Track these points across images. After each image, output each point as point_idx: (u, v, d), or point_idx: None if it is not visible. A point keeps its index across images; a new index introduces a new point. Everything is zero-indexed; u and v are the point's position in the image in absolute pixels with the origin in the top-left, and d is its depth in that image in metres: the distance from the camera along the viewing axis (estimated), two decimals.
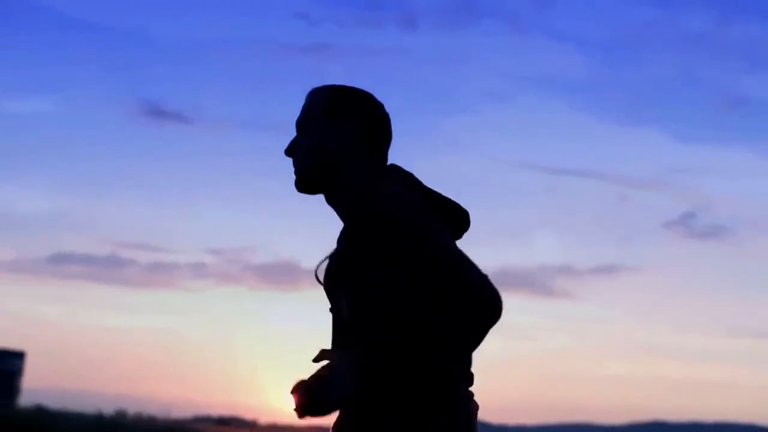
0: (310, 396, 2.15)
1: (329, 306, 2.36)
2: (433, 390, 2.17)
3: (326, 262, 2.37)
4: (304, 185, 2.37)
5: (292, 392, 2.19)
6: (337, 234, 2.37)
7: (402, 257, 2.15)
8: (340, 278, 2.29)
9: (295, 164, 2.38)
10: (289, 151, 2.39)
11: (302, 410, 2.18)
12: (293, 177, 2.39)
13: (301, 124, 2.40)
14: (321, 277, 2.36)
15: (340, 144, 2.34)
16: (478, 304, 2.07)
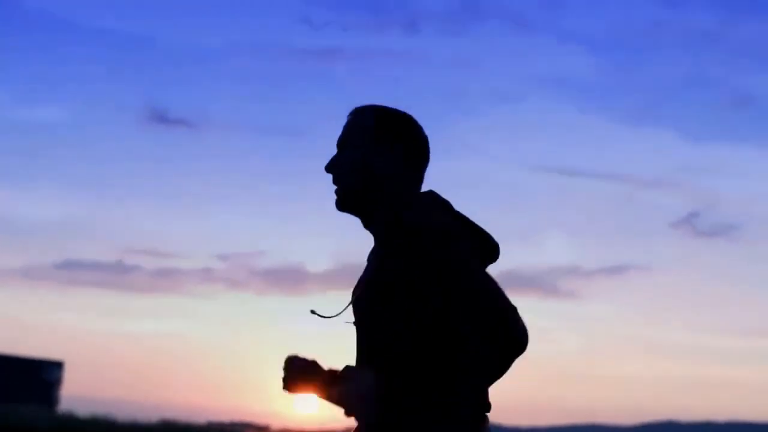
0: (302, 374, 2.26)
1: (353, 320, 2.38)
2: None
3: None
4: (347, 203, 2.39)
5: (286, 366, 2.28)
6: (363, 249, 2.40)
7: (429, 293, 2.19)
8: (363, 302, 2.32)
9: (336, 181, 2.39)
10: (330, 168, 2.40)
11: (288, 384, 2.28)
12: (333, 195, 2.40)
13: (345, 141, 2.41)
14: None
15: (386, 164, 2.36)
16: (512, 340, 2.16)
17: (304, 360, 2.27)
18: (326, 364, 2.28)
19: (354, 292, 2.38)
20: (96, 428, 21.10)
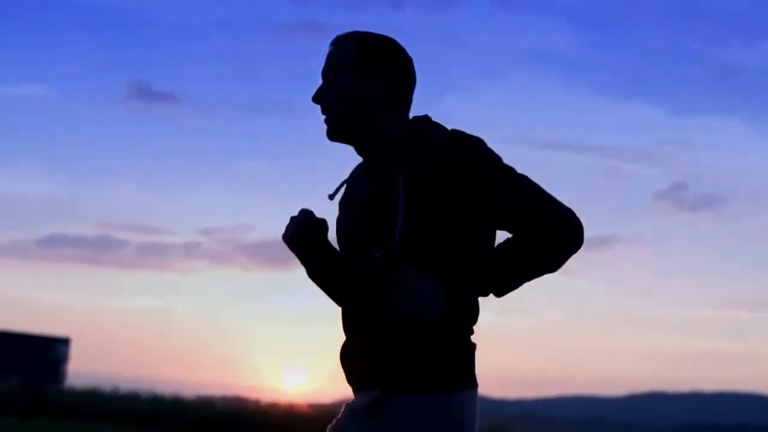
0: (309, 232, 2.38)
1: (337, 230, 2.45)
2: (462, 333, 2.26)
3: (343, 187, 2.44)
4: (337, 134, 2.40)
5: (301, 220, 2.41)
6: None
7: (472, 198, 2.23)
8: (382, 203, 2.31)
9: (325, 113, 2.41)
10: (317, 99, 2.41)
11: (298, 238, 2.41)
12: (323, 126, 2.41)
13: (328, 72, 2.41)
14: (336, 199, 2.44)
15: (371, 92, 2.36)
16: (571, 232, 2.24)
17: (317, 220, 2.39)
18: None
19: (343, 208, 2.44)
20: (96, 403, 21.21)
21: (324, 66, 2.42)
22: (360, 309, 2.30)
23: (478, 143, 2.27)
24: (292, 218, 2.42)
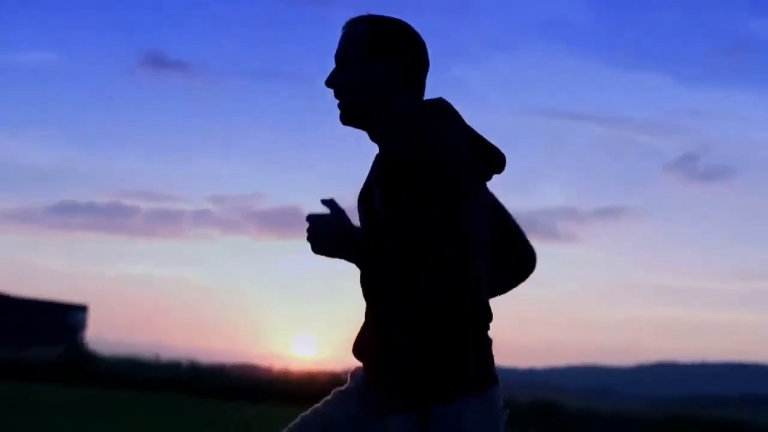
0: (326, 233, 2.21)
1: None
2: (469, 331, 2.26)
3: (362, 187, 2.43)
4: (350, 119, 2.39)
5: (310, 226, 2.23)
6: (364, 168, 2.45)
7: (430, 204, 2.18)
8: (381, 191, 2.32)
9: (338, 97, 2.39)
10: (330, 83, 2.40)
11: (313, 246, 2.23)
12: (336, 110, 2.40)
13: (341, 56, 2.40)
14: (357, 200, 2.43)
15: (384, 77, 2.35)
16: (526, 257, 2.37)
17: (325, 217, 2.23)
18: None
19: (361, 197, 2.42)
20: (120, 370, 21.50)
21: (336, 50, 2.41)
22: (384, 305, 2.30)
23: (441, 164, 2.21)
24: (309, 229, 2.24)
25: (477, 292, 2.26)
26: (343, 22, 2.43)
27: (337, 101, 2.40)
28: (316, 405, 2.46)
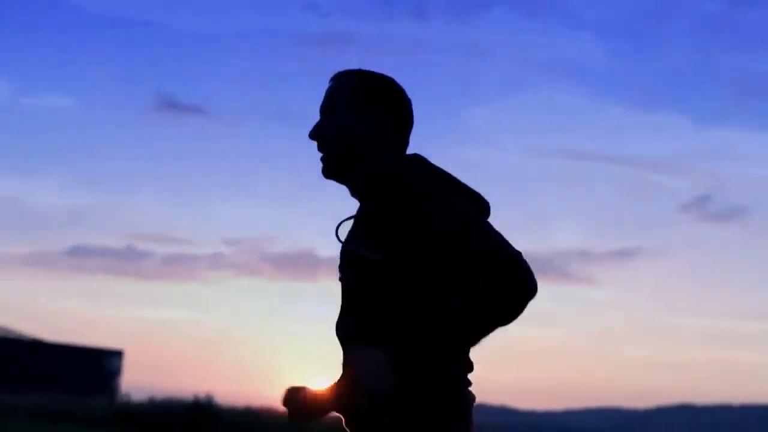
0: (303, 404, 2.23)
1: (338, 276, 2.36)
2: (440, 391, 2.18)
3: (350, 222, 2.37)
4: (332, 170, 2.35)
5: (285, 401, 2.26)
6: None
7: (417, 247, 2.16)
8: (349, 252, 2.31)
9: (321, 148, 2.36)
10: (314, 135, 2.36)
11: (294, 417, 2.24)
12: (319, 163, 2.37)
13: (326, 107, 2.37)
14: (341, 237, 2.38)
15: (368, 129, 2.32)
16: (521, 282, 2.12)
17: (294, 392, 2.25)
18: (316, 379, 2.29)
19: (341, 265, 2.36)
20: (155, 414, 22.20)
21: (323, 101, 2.39)
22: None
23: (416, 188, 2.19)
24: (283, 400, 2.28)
25: (455, 379, 2.21)
26: (354, 65, 2.43)
27: (320, 154, 2.37)
28: None
